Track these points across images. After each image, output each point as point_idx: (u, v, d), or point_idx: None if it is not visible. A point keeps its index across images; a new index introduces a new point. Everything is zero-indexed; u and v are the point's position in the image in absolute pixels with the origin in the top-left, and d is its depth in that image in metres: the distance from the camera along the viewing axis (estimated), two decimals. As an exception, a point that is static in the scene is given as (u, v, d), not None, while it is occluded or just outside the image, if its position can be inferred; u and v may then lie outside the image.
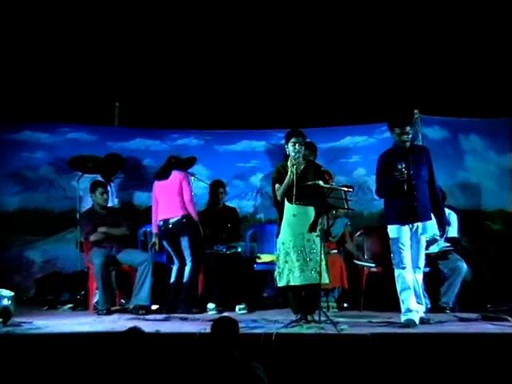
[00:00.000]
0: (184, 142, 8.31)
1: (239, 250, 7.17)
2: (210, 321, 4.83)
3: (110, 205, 7.21)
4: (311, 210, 5.70)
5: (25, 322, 5.64)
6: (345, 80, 8.09)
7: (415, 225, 5.58)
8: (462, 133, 7.80)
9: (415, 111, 7.61)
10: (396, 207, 5.61)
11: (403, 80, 7.89)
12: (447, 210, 6.68)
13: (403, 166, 5.46)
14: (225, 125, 8.23)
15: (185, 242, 6.69)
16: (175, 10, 8.07)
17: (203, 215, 7.08)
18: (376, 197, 6.16)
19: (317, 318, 5.46)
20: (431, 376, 4.65)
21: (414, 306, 5.51)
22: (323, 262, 5.51)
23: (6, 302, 5.63)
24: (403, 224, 5.56)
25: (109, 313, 6.50)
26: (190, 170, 7.41)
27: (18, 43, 7.88)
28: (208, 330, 4.24)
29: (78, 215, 7.64)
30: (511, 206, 7.55)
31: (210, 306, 6.65)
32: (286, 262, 5.64)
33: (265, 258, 7.10)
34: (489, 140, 7.73)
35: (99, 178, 7.38)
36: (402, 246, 5.56)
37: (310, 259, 5.58)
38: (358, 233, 7.24)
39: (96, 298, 6.81)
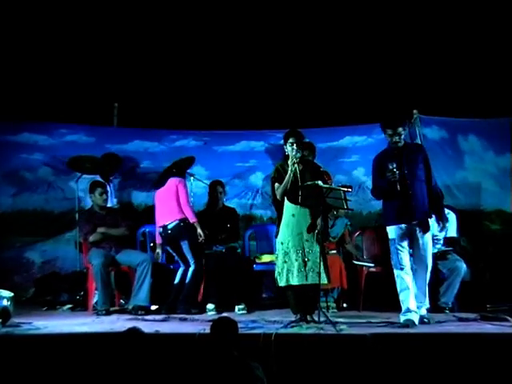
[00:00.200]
0: (182, 144, 8.33)
1: (238, 250, 7.18)
2: (209, 321, 4.84)
3: (109, 205, 7.21)
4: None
5: (24, 323, 5.63)
6: (344, 80, 8.10)
7: (415, 224, 5.57)
8: (461, 133, 7.81)
9: (414, 111, 7.62)
10: (393, 208, 5.62)
11: (402, 80, 7.90)
12: (446, 210, 6.70)
13: (394, 166, 5.47)
14: (223, 125, 8.23)
15: (185, 246, 6.70)
16: (174, 10, 8.08)
17: (202, 215, 7.08)
18: (375, 197, 6.17)
19: (316, 318, 5.46)
20: (431, 376, 4.65)
21: (413, 306, 5.51)
22: (322, 263, 5.52)
23: (5, 302, 5.62)
24: (401, 224, 5.57)
25: (108, 313, 6.50)
26: (189, 171, 7.42)
27: (17, 44, 7.88)
28: (207, 331, 4.24)
29: (77, 216, 7.64)
30: (512, 206, 7.57)
31: (210, 306, 6.65)
32: (285, 261, 5.64)
33: (264, 258, 7.10)
34: (488, 140, 7.74)
35: (98, 178, 7.38)
36: (399, 247, 5.56)
37: (309, 259, 5.58)
38: (357, 233, 7.25)
39: (95, 298, 6.81)
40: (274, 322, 5.68)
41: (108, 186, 7.27)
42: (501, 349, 4.71)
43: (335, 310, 6.58)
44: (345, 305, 6.88)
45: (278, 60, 8.23)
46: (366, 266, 6.80)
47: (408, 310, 5.50)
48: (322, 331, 5.14)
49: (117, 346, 3.95)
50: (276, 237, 5.79)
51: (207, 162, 8.17)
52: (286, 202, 5.69)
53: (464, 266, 6.55)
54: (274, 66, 8.24)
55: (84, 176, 7.68)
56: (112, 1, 8.00)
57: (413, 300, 5.53)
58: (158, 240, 6.97)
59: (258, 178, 8.28)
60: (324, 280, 5.55)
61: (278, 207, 5.80)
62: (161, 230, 6.82)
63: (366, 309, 6.61)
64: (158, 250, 7.02)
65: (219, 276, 6.79)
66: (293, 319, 5.59)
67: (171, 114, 8.26)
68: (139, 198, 8.18)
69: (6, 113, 7.70)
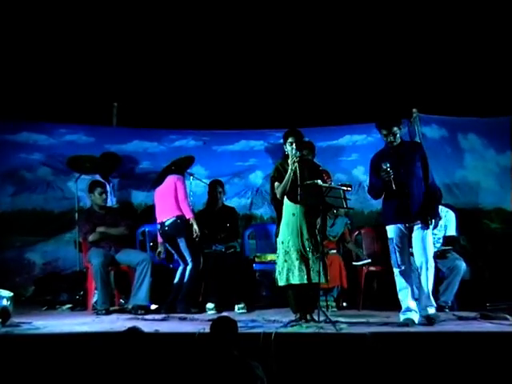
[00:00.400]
0: (182, 144, 8.32)
1: (238, 249, 7.18)
2: (209, 320, 4.84)
3: (108, 205, 7.21)
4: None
5: (24, 323, 5.62)
6: (343, 79, 8.10)
7: (414, 223, 5.57)
8: (461, 132, 7.82)
9: (414, 110, 7.62)
10: (391, 207, 5.61)
11: (402, 79, 7.90)
12: (445, 209, 6.70)
13: (387, 165, 5.46)
14: (223, 125, 8.23)
15: (182, 244, 6.69)
16: (173, 10, 8.08)
17: (202, 215, 7.08)
18: (375, 196, 6.17)
19: (316, 317, 5.46)
20: (430, 375, 4.64)
21: (412, 305, 5.51)
22: (321, 262, 5.52)
23: (5, 302, 5.62)
24: (399, 223, 5.56)
25: (108, 313, 6.50)
26: (188, 170, 7.41)
27: (17, 44, 7.88)
28: (207, 330, 4.24)
29: (76, 215, 7.64)
30: (512, 205, 7.57)
31: (209, 305, 6.65)
32: (286, 261, 5.63)
33: (264, 257, 7.10)
34: (487, 139, 7.74)
35: (97, 177, 7.38)
36: (397, 247, 5.56)
37: (309, 258, 5.58)
38: (356, 232, 7.24)
39: (95, 298, 6.81)
40: (274, 321, 5.68)
41: (107, 186, 7.28)
42: (500, 347, 4.71)
43: (335, 309, 6.59)
44: (344, 304, 6.88)
45: (278, 59, 8.23)
46: (365, 264, 6.79)
47: (407, 309, 5.50)
48: (321, 330, 5.13)
49: (117, 346, 3.95)
50: (276, 236, 5.79)
51: (207, 161, 8.16)
52: (286, 201, 5.68)
53: (464, 264, 6.55)
54: (274, 66, 8.24)
55: (83, 176, 7.68)
56: (111, 1, 8.00)
57: (412, 299, 5.53)
58: (159, 239, 6.97)
59: (257, 177, 8.28)
60: (322, 280, 5.54)
61: (277, 206, 5.79)
62: (159, 226, 6.82)
63: (366, 308, 6.62)
64: (160, 249, 7.01)
65: (219, 275, 6.79)
66: (292, 318, 5.59)
67: (170, 113, 8.26)
68: (139, 197, 8.18)
69: (5, 112, 7.70)
